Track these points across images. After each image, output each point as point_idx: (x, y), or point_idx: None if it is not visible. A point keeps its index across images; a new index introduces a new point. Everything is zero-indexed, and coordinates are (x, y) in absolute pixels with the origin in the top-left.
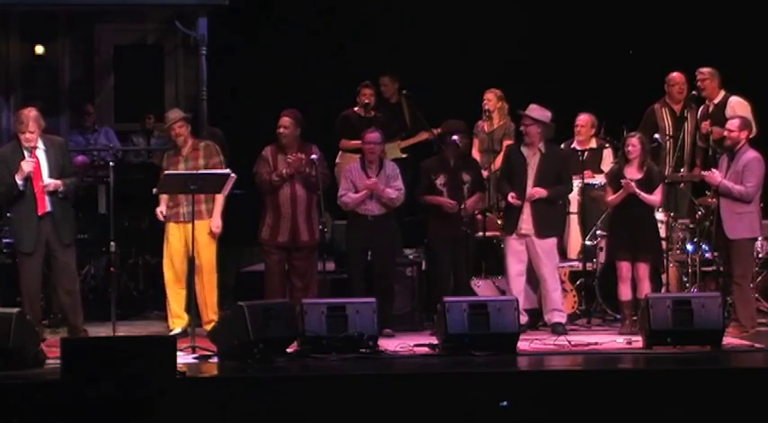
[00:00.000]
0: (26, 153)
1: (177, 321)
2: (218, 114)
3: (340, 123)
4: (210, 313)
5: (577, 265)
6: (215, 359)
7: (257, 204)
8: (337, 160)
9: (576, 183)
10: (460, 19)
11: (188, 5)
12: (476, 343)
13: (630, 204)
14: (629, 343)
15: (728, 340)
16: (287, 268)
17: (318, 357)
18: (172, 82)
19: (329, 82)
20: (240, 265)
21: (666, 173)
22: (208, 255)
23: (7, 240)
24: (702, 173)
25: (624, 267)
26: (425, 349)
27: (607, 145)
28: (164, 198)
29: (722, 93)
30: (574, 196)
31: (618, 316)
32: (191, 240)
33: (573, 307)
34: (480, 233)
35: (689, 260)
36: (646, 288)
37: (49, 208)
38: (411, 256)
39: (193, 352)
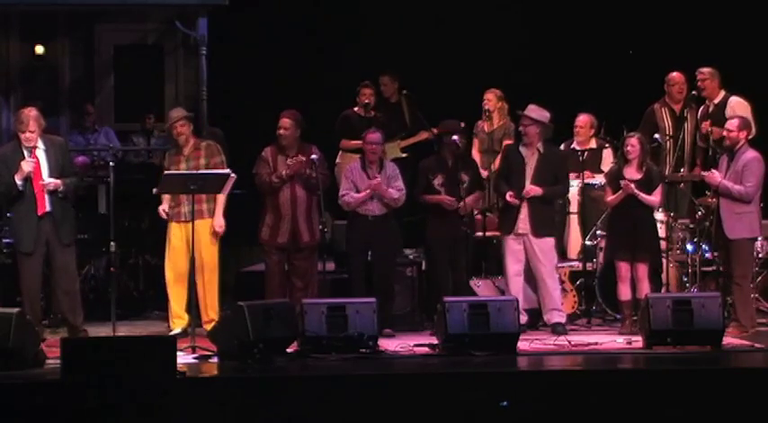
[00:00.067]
0: (26, 153)
1: (178, 322)
2: (218, 114)
3: (340, 123)
4: (211, 313)
5: (577, 265)
6: (215, 359)
7: (257, 204)
8: (337, 160)
9: (576, 183)
10: (460, 19)
11: (188, 5)
12: (476, 343)
13: (630, 205)
14: (629, 343)
15: (728, 340)
16: (287, 268)
17: (318, 357)
18: (172, 82)
19: (329, 82)
20: (240, 265)
21: (666, 173)
22: (210, 254)
23: (7, 240)
24: (702, 173)
25: (623, 267)
26: (425, 349)
27: (607, 145)
28: (166, 197)
29: (722, 93)
30: (574, 196)
31: (618, 316)
32: (192, 239)
33: (573, 307)
34: (480, 233)
35: (689, 260)
36: (645, 288)
37: (48, 208)
38: (411, 256)
39: (193, 352)
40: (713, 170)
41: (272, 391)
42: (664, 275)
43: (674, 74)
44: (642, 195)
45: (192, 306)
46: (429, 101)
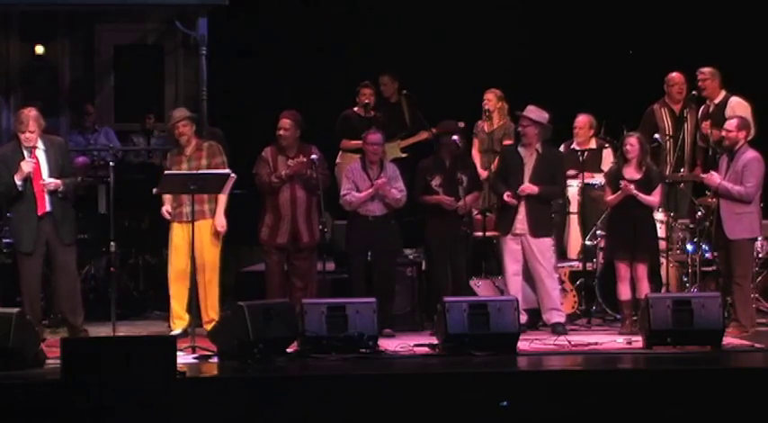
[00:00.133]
0: (26, 153)
1: (178, 322)
2: (218, 114)
3: (340, 123)
4: (211, 313)
5: (577, 265)
6: (215, 359)
7: (257, 204)
8: (338, 160)
9: (576, 183)
10: (460, 19)
11: (188, 5)
12: (476, 343)
13: (629, 205)
14: (629, 343)
15: (728, 340)
16: (287, 268)
17: (318, 357)
18: (172, 82)
19: (329, 82)
20: (240, 265)
21: (666, 173)
22: (212, 254)
23: (7, 240)
24: (701, 176)
25: (623, 267)
26: (425, 349)
27: (607, 145)
28: (167, 198)
29: (723, 93)
30: (574, 196)
31: (618, 316)
32: (194, 239)
33: (573, 307)
34: (480, 233)
35: (689, 260)
36: (645, 288)
37: (48, 208)
38: (411, 256)
39: (193, 352)
40: (712, 172)
41: (272, 391)
42: (664, 275)
43: (674, 74)
44: (641, 196)
45: (193, 306)
46: (429, 101)
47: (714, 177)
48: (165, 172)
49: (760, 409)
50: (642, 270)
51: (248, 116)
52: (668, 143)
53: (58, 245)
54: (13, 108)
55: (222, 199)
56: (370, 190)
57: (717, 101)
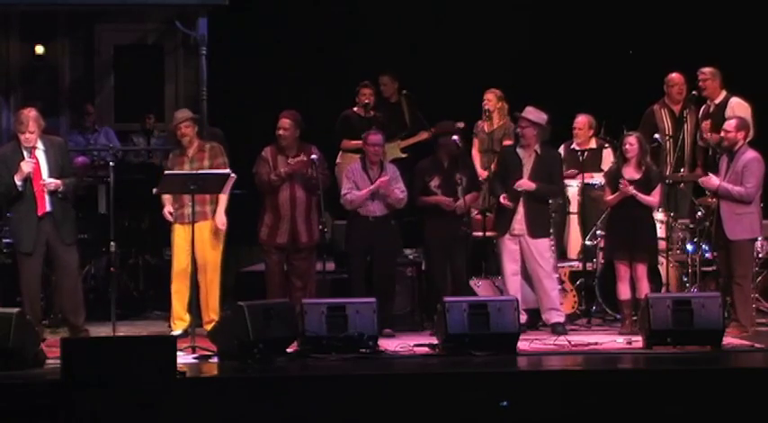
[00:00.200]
0: (26, 153)
1: (179, 323)
2: (218, 114)
3: (340, 123)
4: (211, 313)
5: (577, 265)
6: (215, 359)
7: (257, 204)
8: (338, 160)
9: (576, 183)
10: (460, 19)
11: (188, 5)
12: (476, 343)
13: (629, 205)
14: (629, 343)
15: (728, 340)
16: (286, 269)
17: (318, 357)
18: (172, 82)
19: (329, 82)
20: (240, 265)
21: (667, 173)
22: (213, 255)
23: (7, 240)
24: (700, 180)
25: (622, 267)
26: (425, 349)
27: (606, 145)
28: (167, 198)
29: (723, 93)
30: (574, 196)
31: (618, 316)
32: (196, 240)
33: (573, 307)
34: (480, 233)
35: (689, 260)
36: (644, 288)
37: (49, 208)
38: (411, 256)
39: (193, 352)
40: (710, 175)
41: (272, 391)
42: (663, 275)
43: (674, 75)
44: (641, 196)
45: (193, 306)
46: (429, 101)
47: (712, 180)
48: (165, 172)
49: (760, 409)
50: (642, 270)
51: (248, 116)
52: (668, 143)
53: (60, 244)
54: (13, 108)
55: (223, 198)
56: (371, 187)
57: (717, 101)
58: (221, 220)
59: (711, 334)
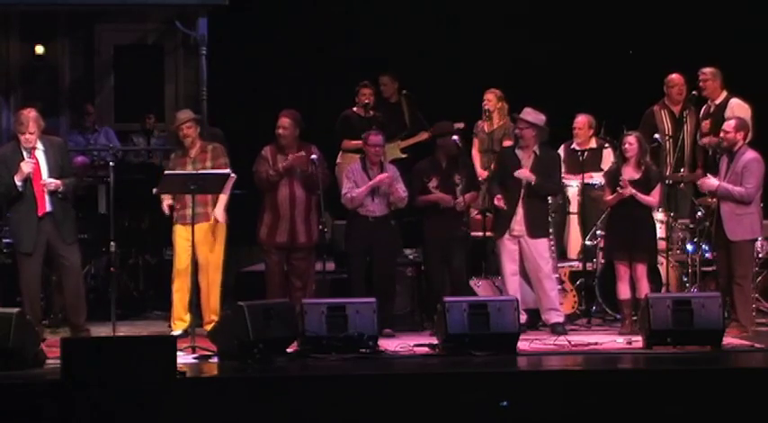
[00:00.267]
0: (25, 154)
1: (179, 323)
2: (218, 114)
3: (340, 124)
4: (212, 314)
5: (577, 265)
6: (215, 359)
7: (257, 204)
8: (338, 160)
9: (576, 183)
10: (460, 19)
11: (188, 5)
12: (476, 343)
13: (629, 204)
14: (629, 343)
15: (728, 340)
16: (286, 269)
17: (318, 357)
18: (172, 82)
19: (329, 82)
20: (240, 265)
21: (667, 173)
22: (215, 255)
23: (7, 240)
24: (698, 182)
25: (621, 267)
26: (425, 349)
27: (606, 145)
28: (168, 196)
29: (724, 93)
30: (574, 196)
31: (618, 316)
32: (197, 240)
33: (573, 307)
34: (480, 233)
35: (689, 260)
36: (644, 288)
37: (49, 208)
38: (411, 257)
39: (193, 352)
40: (708, 176)
41: (272, 391)
42: (663, 275)
43: (674, 75)
44: (640, 195)
45: (194, 306)
46: (429, 101)
47: (710, 181)
48: (166, 172)
49: (760, 409)
50: (641, 270)
51: (248, 116)
52: (668, 144)
53: (61, 244)
54: (13, 108)
55: (223, 196)
56: (371, 183)
57: (717, 101)
58: (220, 213)
59: (711, 334)
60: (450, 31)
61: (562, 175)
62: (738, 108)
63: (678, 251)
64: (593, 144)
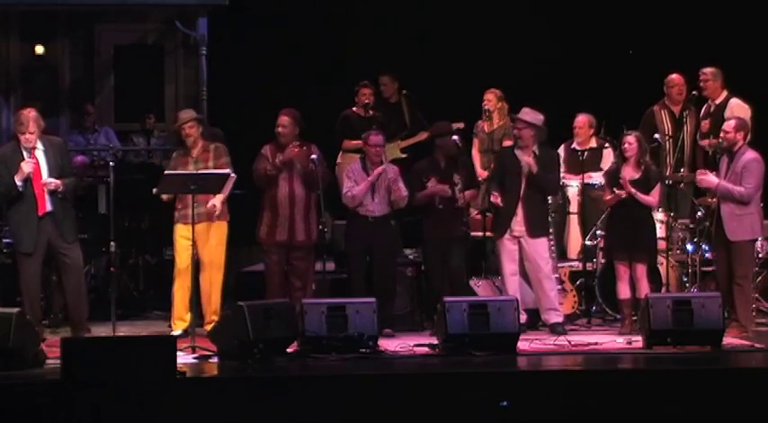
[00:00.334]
0: (25, 153)
1: (179, 323)
2: (218, 114)
3: (340, 124)
4: (213, 314)
5: (577, 265)
6: (215, 359)
7: (257, 204)
8: (338, 160)
9: (576, 183)
10: (460, 19)
11: (188, 5)
12: (476, 343)
13: (628, 204)
14: (629, 343)
15: (728, 340)
16: (285, 269)
17: (318, 357)
18: (172, 82)
19: (329, 82)
20: (240, 265)
21: (667, 174)
22: (218, 254)
23: (7, 240)
24: (697, 178)
25: (621, 267)
26: (425, 349)
27: (607, 144)
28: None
29: (724, 93)
30: (574, 196)
31: (618, 316)
32: (199, 240)
33: (573, 307)
34: (480, 233)
35: (689, 260)
36: (644, 288)
37: (49, 208)
38: (411, 256)
39: (193, 352)
40: (707, 172)
41: (272, 391)
42: (663, 275)
43: (674, 76)
44: (640, 195)
45: (194, 306)
46: (429, 101)
47: (709, 178)
48: (165, 172)
49: (760, 409)
50: (641, 270)
51: (248, 116)
52: (668, 144)
53: (62, 243)
54: (13, 108)
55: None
56: (371, 177)
57: (717, 101)
58: (217, 202)
59: (711, 334)
60: (450, 31)
61: (561, 175)
62: (738, 108)
63: (678, 251)
64: (593, 144)
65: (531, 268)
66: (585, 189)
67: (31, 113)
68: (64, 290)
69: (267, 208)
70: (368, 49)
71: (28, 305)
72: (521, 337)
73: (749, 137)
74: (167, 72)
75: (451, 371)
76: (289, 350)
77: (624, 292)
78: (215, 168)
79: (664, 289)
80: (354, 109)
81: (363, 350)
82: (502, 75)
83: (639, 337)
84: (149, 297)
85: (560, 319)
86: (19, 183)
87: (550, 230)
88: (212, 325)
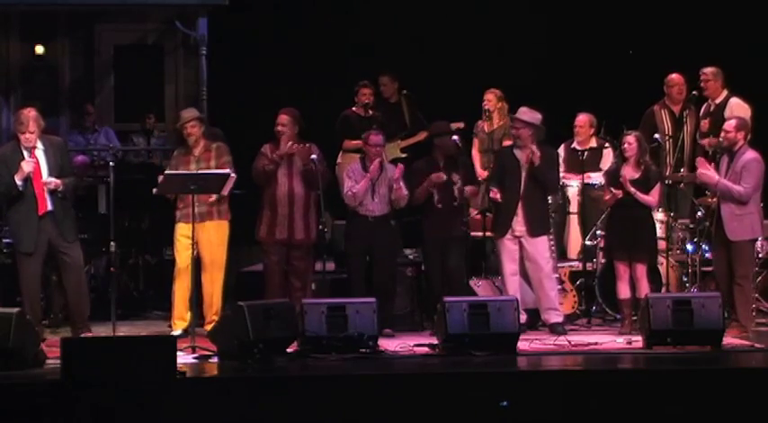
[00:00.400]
0: (25, 153)
1: (179, 323)
2: (218, 114)
3: (340, 123)
4: (214, 313)
5: (577, 265)
6: (215, 359)
7: (257, 204)
8: (338, 160)
9: (576, 183)
10: (460, 19)
11: (188, 5)
12: (476, 343)
13: (628, 204)
14: (629, 343)
15: (728, 340)
16: (285, 268)
17: (318, 357)
18: (172, 82)
19: (329, 82)
20: (240, 265)
21: (667, 173)
22: (219, 254)
23: (7, 240)
24: (697, 172)
25: (621, 267)
26: (425, 349)
27: (607, 144)
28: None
29: (725, 93)
30: (574, 196)
31: (618, 316)
32: (201, 239)
33: (573, 307)
34: (479, 233)
35: (689, 260)
36: (644, 288)
37: (50, 207)
38: (411, 256)
39: (193, 352)
40: (709, 167)
41: (272, 391)
42: (663, 275)
43: (674, 75)
44: (639, 195)
45: (194, 306)
46: (429, 101)
47: (709, 172)
48: (166, 172)
49: (760, 409)
50: (641, 270)
51: (248, 116)
52: (668, 144)
53: (62, 242)
54: (13, 108)
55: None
56: (370, 174)
57: (718, 101)
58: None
59: (711, 334)
60: (450, 31)
61: (560, 173)
62: (738, 108)
63: (678, 251)
64: (593, 143)
65: (532, 268)
66: (585, 189)
67: (31, 113)
68: (64, 289)
69: (266, 206)
70: (368, 49)
71: (28, 305)
72: (521, 337)
73: (749, 136)
74: (167, 72)
75: (451, 371)
76: (289, 350)
77: (624, 292)
78: (216, 167)
79: (664, 289)
80: (354, 109)
81: (363, 350)
82: (502, 75)
83: (639, 337)
84: (149, 297)
85: (560, 319)
86: (19, 182)
87: (551, 229)
88: (212, 325)
